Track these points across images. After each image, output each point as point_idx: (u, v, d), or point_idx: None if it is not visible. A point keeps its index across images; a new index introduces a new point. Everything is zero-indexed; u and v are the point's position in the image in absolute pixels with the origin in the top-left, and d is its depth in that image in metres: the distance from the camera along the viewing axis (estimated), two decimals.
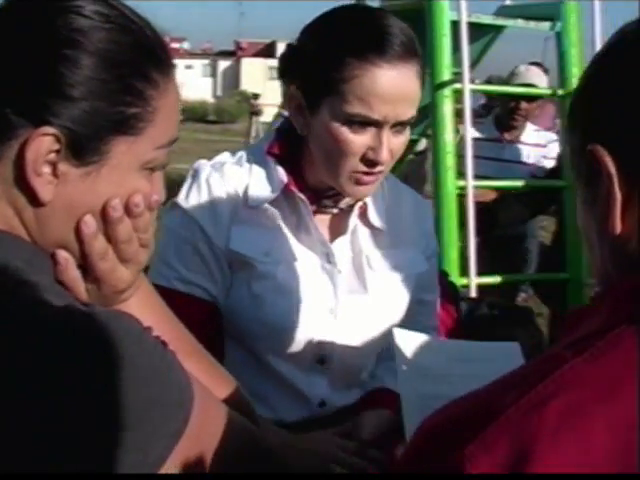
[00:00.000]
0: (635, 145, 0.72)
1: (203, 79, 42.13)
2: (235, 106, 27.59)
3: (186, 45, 51.14)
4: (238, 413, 0.94)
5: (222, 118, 27.16)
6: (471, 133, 4.04)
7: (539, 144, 4.06)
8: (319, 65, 1.27)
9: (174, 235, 1.37)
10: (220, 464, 0.87)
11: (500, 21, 3.90)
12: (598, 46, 3.66)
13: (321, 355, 1.43)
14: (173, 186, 0.88)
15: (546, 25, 3.75)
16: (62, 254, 0.83)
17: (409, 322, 1.51)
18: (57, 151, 0.78)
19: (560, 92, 3.71)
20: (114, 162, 0.82)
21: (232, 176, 1.39)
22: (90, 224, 0.82)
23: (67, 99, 0.78)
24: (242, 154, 1.44)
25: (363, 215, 1.44)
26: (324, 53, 1.27)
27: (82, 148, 0.79)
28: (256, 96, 9.33)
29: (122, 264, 0.87)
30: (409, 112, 1.28)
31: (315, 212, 1.41)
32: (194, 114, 26.62)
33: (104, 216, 0.83)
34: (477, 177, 3.74)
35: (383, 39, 1.25)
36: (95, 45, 0.79)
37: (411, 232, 1.51)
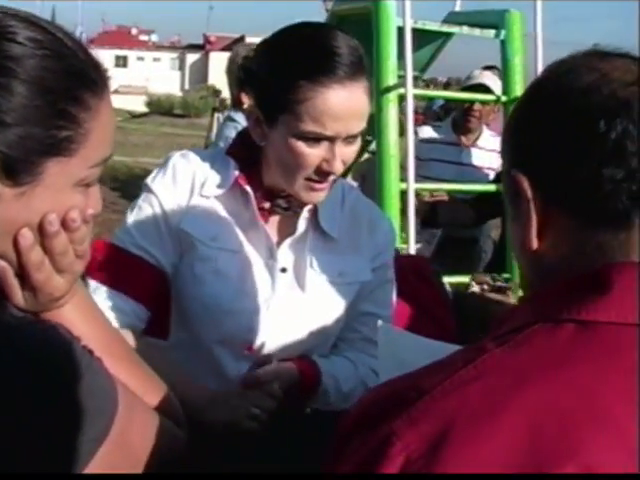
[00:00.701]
0: (549, 174, 0.83)
1: (171, 72, 41.90)
2: (202, 100, 27.46)
3: (154, 37, 50.76)
4: (165, 418, 0.99)
5: (188, 112, 27.02)
6: (429, 135, 4.12)
7: (495, 150, 4.14)
8: (274, 86, 1.37)
9: (138, 209, 1.51)
10: (146, 468, 0.93)
11: (445, 28, 3.99)
12: (540, 56, 3.78)
13: (250, 343, 1.51)
14: (137, 180, 0.92)
15: (491, 33, 3.83)
16: (0, 263, 0.88)
17: (348, 329, 1.61)
18: None
19: (504, 98, 3.81)
20: (48, 182, 0.85)
21: (195, 164, 1.53)
22: (27, 237, 0.86)
23: (0, 125, 0.81)
24: (207, 152, 1.60)
25: (314, 220, 1.53)
26: (278, 76, 1.37)
27: (15, 170, 0.82)
28: (217, 92, 9.35)
29: (58, 274, 0.91)
30: (359, 126, 1.39)
31: (269, 212, 1.52)
32: (160, 107, 26.50)
33: (41, 230, 0.87)
34: (435, 180, 3.84)
35: (333, 61, 1.35)
36: (28, 73, 0.82)
37: (362, 243, 1.59)
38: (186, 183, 1.51)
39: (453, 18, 4.22)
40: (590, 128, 0.79)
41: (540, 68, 3.75)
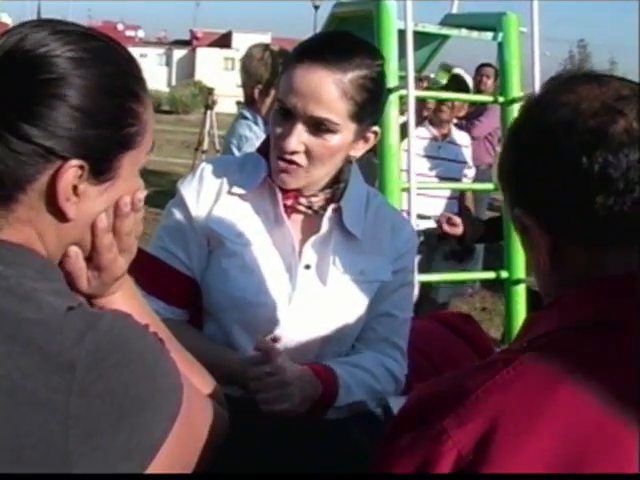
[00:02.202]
0: (548, 209, 0.92)
1: (158, 68, 41.66)
2: (189, 96, 27.41)
3: (141, 33, 50.53)
4: (211, 399, 1.07)
5: (176, 108, 26.96)
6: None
7: (465, 145, 4.22)
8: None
9: (168, 213, 1.62)
10: (204, 445, 1.01)
11: (445, 30, 4.05)
12: (537, 56, 3.85)
13: (275, 334, 1.58)
14: None
15: (489, 35, 3.90)
16: (73, 248, 0.96)
17: (366, 329, 1.66)
18: (80, 176, 0.90)
19: (501, 99, 3.88)
20: (123, 174, 0.95)
21: (224, 166, 1.63)
22: (104, 220, 0.96)
23: (82, 132, 0.89)
24: (240, 155, 1.70)
25: (339, 220, 1.60)
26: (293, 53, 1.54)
27: (100, 170, 0.92)
28: (210, 90, 9.41)
29: (120, 254, 1.01)
30: (319, 111, 1.45)
31: (294, 210, 1.59)
32: None
33: (115, 212, 0.97)
34: (421, 174, 3.90)
35: (321, 46, 1.49)
36: (97, 80, 0.91)
37: (384, 244, 1.65)
38: (214, 184, 1.59)
39: (450, 20, 4.28)
40: (575, 165, 0.88)
41: (537, 68, 3.83)
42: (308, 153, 1.48)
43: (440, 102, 4.04)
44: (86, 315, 0.87)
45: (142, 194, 1.00)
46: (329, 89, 1.44)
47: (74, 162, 0.89)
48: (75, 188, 0.90)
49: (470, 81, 4.15)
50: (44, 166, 0.89)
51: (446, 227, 3.58)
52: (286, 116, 1.48)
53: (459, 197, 4.19)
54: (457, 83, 4.03)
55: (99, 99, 0.91)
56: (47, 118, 0.87)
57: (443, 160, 4.08)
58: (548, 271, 0.94)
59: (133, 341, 0.88)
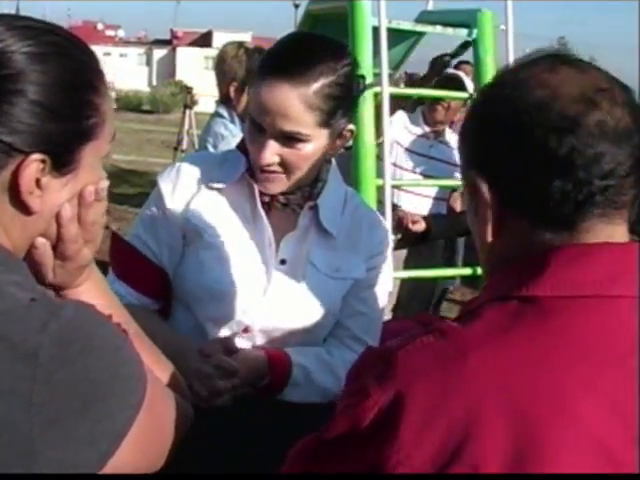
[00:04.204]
0: (505, 180, 0.93)
1: (138, 68, 41.54)
2: (170, 96, 27.33)
3: (121, 33, 50.39)
4: (173, 391, 1.08)
5: (157, 108, 26.86)
6: (401, 119, 4.11)
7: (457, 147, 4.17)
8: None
9: (146, 204, 1.66)
10: (169, 435, 1.02)
11: (419, 27, 4.05)
12: (511, 52, 3.86)
13: (245, 325, 1.60)
14: (108, 177, 1.04)
15: (463, 32, 3.91)
16: (40, 240, 0.97)
17: (339, 326, 1.69)
18: (42, 169, 0.91)
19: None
20: (85, 164, 0.96)
21: (203, 162, 1.66)
22: (69, 210, 0.97)
23: (43, 126, 0.90)
24: (220, 151, 1.75)
25: (316, 218, 1.62)
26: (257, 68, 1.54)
27: (61, 163, 0.93)
28: (189, 90, 9.38)
29: (85, 244, 1.01)
30: (288, 125, 1.48)
31: (272, 206, 1.61)
32: (128, 104, 26.28)
33: (79, 201, 0.98)
34: (407, 170, 3.90)
35: (283, 59, 1.49)
36: (58, 76, 0.92)
37: (360, 243, 1.67)
38: (192, 177, 1.62)
39: (426, 17, 4.28)
40: (542, 143, 0.89)
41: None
42: (284, 163, 1.51)
43: (435, 101, 4.00)
44: (49, 305, 0.88)
45: (105, 183, 1.01)
46: (294, 104, 1.46)
47: (35, 156, 0.90)
48: (38, 181, 0.91)
49: (470, 84, 4.07)
50: (6, 161, 0.89)
51: (410, 226, 3.72)
52: (258, 130, 1.50)
53: (448, 198, 4.16)
54: (455, 83, 3.99)
55: (58, 93, 0.92)
56: (7, 114, 0.88)
57: (432, 159, 4.03)
58: (487, 245, 0.96)
59: (95, 330, 0.89)
